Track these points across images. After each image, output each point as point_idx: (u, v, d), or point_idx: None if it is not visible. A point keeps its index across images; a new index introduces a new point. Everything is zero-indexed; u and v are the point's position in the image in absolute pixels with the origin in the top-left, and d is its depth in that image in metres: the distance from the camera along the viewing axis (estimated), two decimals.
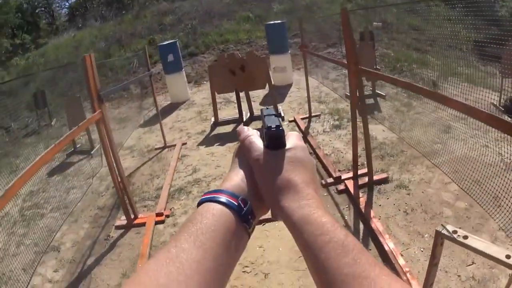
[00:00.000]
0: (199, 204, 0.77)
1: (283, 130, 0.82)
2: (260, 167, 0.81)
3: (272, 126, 0.81)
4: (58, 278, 5.63)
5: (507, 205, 3.57)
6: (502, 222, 3.42)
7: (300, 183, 0.77)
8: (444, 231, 3.10)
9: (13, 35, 28.85)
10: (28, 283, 5.16)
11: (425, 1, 6.63)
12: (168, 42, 14.24)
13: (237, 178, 0.82)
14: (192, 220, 0.71)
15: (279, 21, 13.82)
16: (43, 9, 35.00)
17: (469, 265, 3.81)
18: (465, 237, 2.98)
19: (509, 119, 2.59)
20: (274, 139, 0.81)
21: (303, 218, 0.71)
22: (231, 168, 0.87)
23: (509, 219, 3.38)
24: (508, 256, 2.70)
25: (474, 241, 2.93)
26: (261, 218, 0.83)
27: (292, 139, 0.85)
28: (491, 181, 4.04)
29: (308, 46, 10.15)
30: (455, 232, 3.04)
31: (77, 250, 6.20)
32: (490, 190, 3.93)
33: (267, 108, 0.93)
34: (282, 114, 10.30)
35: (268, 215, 0.84)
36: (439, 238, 3.18)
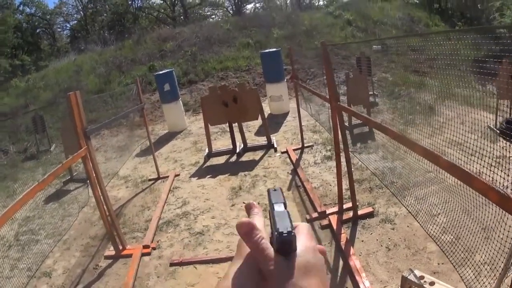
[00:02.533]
0: None
1: (294, 236, 0.75)
2: (272, 276, 0.74)
3: (284, 232, 0.74)
4: None
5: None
6: (467, 277, 3.38)
7: None
8: (410, 277, 3.07)
9: (13, 55, 28.90)
10: None
11: (420, 36, 6.67)
12: (164, 71, 14.33)
13: (241, 277, 0.76)
14: None
15: (274, 49, 13.91)
16: (44, 29, 35.28)
17: None
18: (432, 283, 2.95)
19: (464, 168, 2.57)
20: (286, 245, 0.75)
21: None
22: (234, 259, 0.81)
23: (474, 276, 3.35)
24: None
25: None
26: None
27: (302, 239, 0.78)
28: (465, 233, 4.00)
29: (298, 77, 10.13)
30: (422, 277, 3.01)
31: (67, 277, 6.28)
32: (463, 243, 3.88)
33: (275, 190, 0.88)
34: (276, 145, 10.35)
35: None
36: (405, 284, 3.15)
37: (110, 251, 6.61)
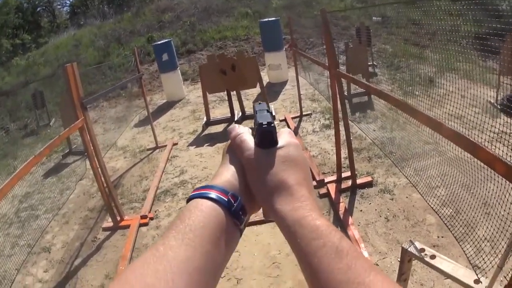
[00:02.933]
0: (189, 200, 0.73)
1: (274, 127, 0.79)
2: (251, 167, 0.78)
3: (264, 123, 0.78)
4: (47, 278, 5.73)
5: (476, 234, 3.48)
6: (471, 250, 3.34)
7: (294, 184, 0.75)
8: (411, 249, 3.02)
9: (14, 35, 28.72)
10: (13, 280, 5.17)
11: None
12: (162, 41, 14.22)
13: (227, 174, 0.79)
14: (181, 217, 0.68)
15: (273, 18, 13.75)
16: (44, 8, 34.98)
17: (447, 278, 3.71)
18: (432, 257, 2.90)
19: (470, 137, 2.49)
20: (266, 137, 0.78)
21: (297, 221, 0.68)
22: (221, 163, 0.84)
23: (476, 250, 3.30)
24: (476, 281, 2.62)
25: (441, 262, 2.84)
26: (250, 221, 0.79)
27: (285, 136, 0.82)
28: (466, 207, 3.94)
29: (297, 45, 10.01)
30: (422, 250, 2.96)
31: (66, 251, 6.29)
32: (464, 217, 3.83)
33: (260, 103, 0.90)
34: (274, 113, 10.24)
35: (258, 216, 0.80)
36: (405, 255, 3.10)
37: (108, 222, 6.61)
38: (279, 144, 0.79)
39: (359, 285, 0.56)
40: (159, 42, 14.13)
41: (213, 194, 0.71)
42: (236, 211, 0.72)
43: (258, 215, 0.86)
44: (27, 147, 11.47)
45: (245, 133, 0.83)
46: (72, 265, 5.87)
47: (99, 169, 6.11)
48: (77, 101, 5.62)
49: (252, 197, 0.78)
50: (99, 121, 13.55)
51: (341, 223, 5.45)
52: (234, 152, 0.82)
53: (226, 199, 0.72)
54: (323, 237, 0.64)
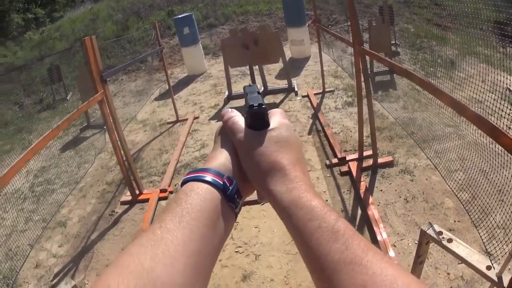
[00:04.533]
0: (183, 183, 0.73)
1: (265, 108, 0.79)
2: (244, 149, 0.78)
3: (254, 105, 0.78)
4: (62, 253, 5.77)
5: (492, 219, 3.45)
6: (484, 236, 3.31)
7: (287, 164, 0.74)
8: (429, 231, 3.00)
9: (25, 9, 28.57)
10: (26, 256, 5.23)
11: None
12: (183, 15, 14.10)
13: (221, 157, 0.79)
14: (177, 200, 0.68)
15: None
16: None
17: (461, 263, 3.69)
18: (449, 241, 2.88)
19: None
20: (257, 118, 0.78)
21: (292, 203, 0.68)
22: (214, 147, 0.84)
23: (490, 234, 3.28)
24: (488, 267, 2.60)
25: (458, 246, 2.83)
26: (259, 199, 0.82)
27: (276, 117, 0.82)
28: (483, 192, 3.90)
29: (321, 21, 9.91)
30: (440, 233, 2.94)
31: (82, 225, 6.34)
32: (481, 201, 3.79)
33: (250, 86, 0.90)
34: (296, 89, 10.19)
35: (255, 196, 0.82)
36: (424, 238, 3.09)
37: (127, 196, 6.64)
38: (271, 126, 0.79)
39: (356, 265, 0.56)
40: (179, 16, 14.01)
41: (209, 177, 0.71)
42: (232, 194, 0.72)
43: None
44: (43, 121, 11.54)
45: (237, 116, 0.83)
46: (88, 240, 5.92)
47: (119, 142, 6.13)
48: (96, 75, 5.61)
49: (246, 180, 0.78)
50: (119, 94, 13.57)
51: (361, 202, 5.44)
52: (227, 135, 0.82)
53: (222, 182, 0.72)
54: (319, 218, 0.64)
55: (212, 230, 0.66)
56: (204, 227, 0.65)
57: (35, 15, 28.38)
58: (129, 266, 0.55)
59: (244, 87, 0.89)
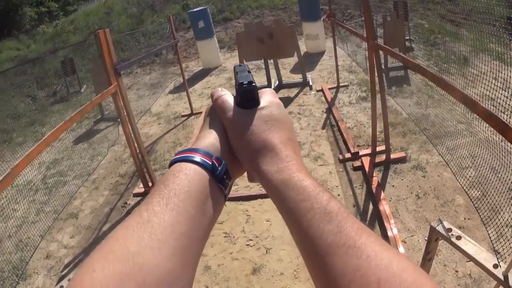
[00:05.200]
0: (171, 164, 0.71)
1: (255, 86, 0.77)
2: (233, 128, 0.77)
3: (244, 83, 0.76)
4: (73, 244, 5.85)
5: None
6: (492, 234, 3.32)
7: (278, 143, 0.73)
8: (439, 228, 3.00)
9: (39, 3, 28.61)
10: (36, 247, 5.28)
11: None
12: (198, 8, 14.11)
13: (210, 137, 0.77)
14: (164, 182, 0.66)
15: None
16: None
17: (469, 261, 3.69)
18: (458, 238, 2.88)
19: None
20: (247, 96, 0.77)
21: (283, 183, 0.67)
22: (202, 127, 0.82)
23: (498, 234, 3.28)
24: (495, 266, 2.60)
25: (466, 244, 2.83)
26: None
27: (267, 96, 0.80)
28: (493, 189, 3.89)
29: (336, 15, 9.89)
30: (449, 230, 2.94)
31: (94, 216, 6.41)
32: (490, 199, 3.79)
33: (240, 65, 0.87)
34: (311, 83, 10.20)
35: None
36: (433, 234, 3.09)
37: (139, 188, 6.69)
38: (261, 104, 0.78)
39: (350, 248, 0.55)
40: (194, 10, 14.03)
41: (198, 158, 0.70)
42: (221, 175, 0.71)
43: None
44: (57, 114, 11.55)
45: (227, 95, 0.81)
46: (100, 231, 5.99)
47: (132, 134, 6.17)
48: (110, 67, 5.64)
49: (236, 161, 0.77)
50: (133, 87, 13.63)
51: (373, 198, 5.45)
52: (216, 115, 0.80)
53: (210, 163, 0.70)
54: (311, 198, 0.62)
55: (201, 212, 0.65)
56: (193, 209, 0.63)
57: (49, 8, 28.51)
58: (114, 250, 0.54)
59: (235, 67, 0.87)
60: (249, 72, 0.82)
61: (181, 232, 0.59)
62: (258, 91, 0.80)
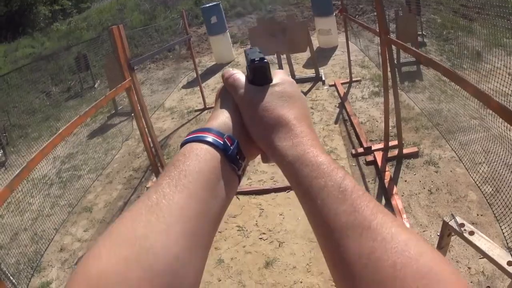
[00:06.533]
0: (182, 145, 0.69)
1: (267, 62, 0.76)
2: (246, 105, 0.75)
3: (256, 59, 0.75)
4: (87, 238, 5.92)
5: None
6: (506, 231, 3.31)
7: (292, 119, 0.71)
8: (451, 223, 3.01)
9: (52, 1, 28.75)
10: (51, 240, 5.34)
11: None
12: (211, 4, 14.06)
13: (222, 116, 0.74)
14: (175, 163, 0.64)
15: None
16: None
17: (482, 258, 3.69)
18: (471, 233, 2.89)
19: None
20: (259, 73, 0.76)
21: (297, 158, 0.65)
22: (214, 108, 0.79)
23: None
24: (509, 263, 2.60)
25: (479, 239, 2.83)
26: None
27: (279, 75, 0.79)
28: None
29: (347, 11, 9.86)
30: (462, 225, 2.95)
31: (108, 210, 6.46)
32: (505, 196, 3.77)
33: (251, 48, 0.86)
34: (323, 78, 10.19)
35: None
36: (446, 229, 3.10)
37: (153, 182, 6.64)
38: (274, 81, 0.76)
39: (365, 229, 0.53)
40: (207, 5, 14.00)
41: (210, 138, 0.67)
42: (233, 154, 0.68)
43: None
44: (71, 109, 11.67)
45: (238, 73, 0.79)
46: None
47: (146, 129, 6.19)
48: (124, 62, 5.67)
49: (249, 141, 0.75)
50: (146, 82, 13.68)
51: (386, 192, 5.46)
52: (227, 95, 0.79)
53: (222, 142, 0.67)
54: (325, 175, 0.61)
55: (212, 193, 0.62)
56: (203, 191, 0.61)
57: (62, 6, 28.59)
58: (121, 234, 0.53)
59: (245, 50, 0.85)
60: (260, 52, 0.81)
61: (191, 215, 0.57)
62: (271, 71, 0.78)
